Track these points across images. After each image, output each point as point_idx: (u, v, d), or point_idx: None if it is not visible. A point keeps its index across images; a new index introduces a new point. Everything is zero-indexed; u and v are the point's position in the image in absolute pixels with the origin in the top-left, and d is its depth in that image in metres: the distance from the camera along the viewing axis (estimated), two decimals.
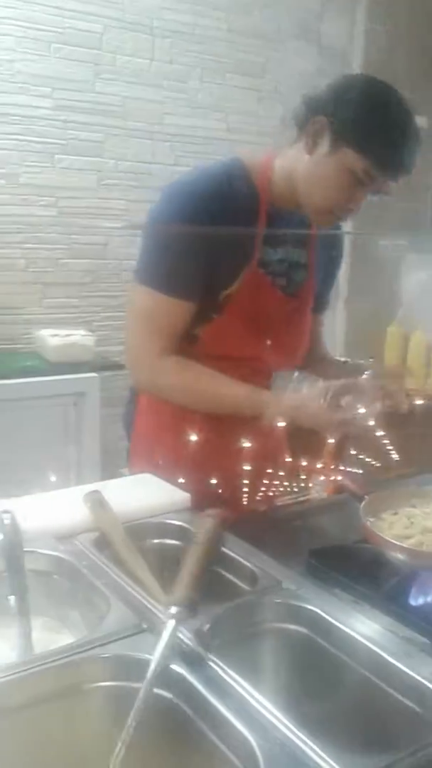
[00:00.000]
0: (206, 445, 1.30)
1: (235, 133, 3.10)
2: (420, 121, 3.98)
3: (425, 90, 3.56)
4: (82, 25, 2.68)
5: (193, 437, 1.31)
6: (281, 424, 1.29)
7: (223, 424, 1.33)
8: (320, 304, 1.57)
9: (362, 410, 1.23)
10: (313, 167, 1.27)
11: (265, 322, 1.39)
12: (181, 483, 1.23)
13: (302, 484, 1.53)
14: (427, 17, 3.51)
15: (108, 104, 2.78)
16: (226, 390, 1.33)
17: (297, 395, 1.29)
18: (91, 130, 2.75)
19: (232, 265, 1.33)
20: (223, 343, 1.36)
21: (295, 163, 1.30)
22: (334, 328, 3.50)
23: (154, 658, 0.72)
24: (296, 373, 1.39)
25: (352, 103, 1.21)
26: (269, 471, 1.45)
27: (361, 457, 1.54)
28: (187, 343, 1.35)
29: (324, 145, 1.25)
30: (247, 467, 1.32)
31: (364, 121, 1.21)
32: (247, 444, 1.30)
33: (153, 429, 1.46)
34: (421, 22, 3.49)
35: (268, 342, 1.40)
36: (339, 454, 1.61)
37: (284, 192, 1.33)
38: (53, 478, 1.23)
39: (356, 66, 3.35)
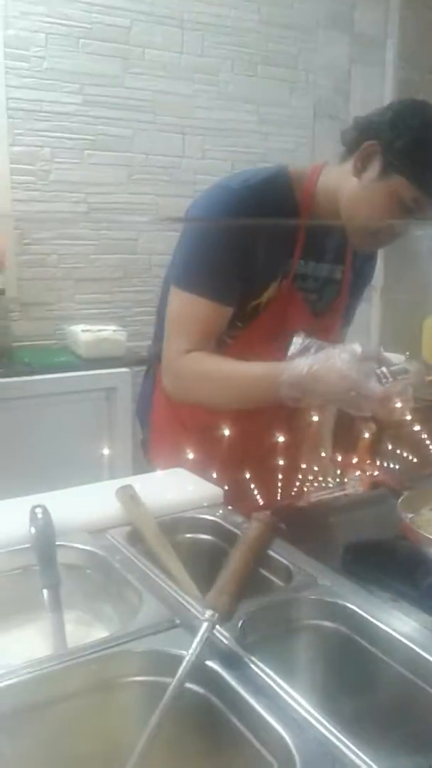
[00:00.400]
0: (233, 438, 1.28)
1: (266, 125, 3.07)
2: None
3: None
4: (110, 20, 2.68)
5: (220, 430, 1.29)
6: (295, 399, 1.21)
7: (249, 416, 1.31)
8: (346, 320, 1.56)
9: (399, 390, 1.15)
10: (360, 191, 1.26)
11: (291, 335, 1.36)
12: (213, 478, 1.22)
13: (338, 479, 1.51)
14: None
15: (137, 99, 2.78)
16: (243, 370, 1.28)
17: (317, 358, 1.20)
18: (120, 125, 2.75)
19: (265, 276, 1.32)
20: (245, 354, 1.32)
21: (341, 183, 1.29)
22: (370, 321, 3.45)
23: (188, 653, 0.71)
24: (299, 337, 1.28)
25: (408, 131, 1.20)
26: (302, 466, 1.43)
27: (398, 451, 1.50)
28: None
29: (374, 170, 1.23)
30: (278, 461, 1.29)
31: (419, 150, 1.20)
32: (277, 437, 1.27)
33: (175, 422, 1.45)
34: None
35: None
36: (375, 448, 1.58)
37: (326, 210, 1.32)
38: (85, 473, 1.23)
39: (390, 55, 3.29)
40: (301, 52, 3.12)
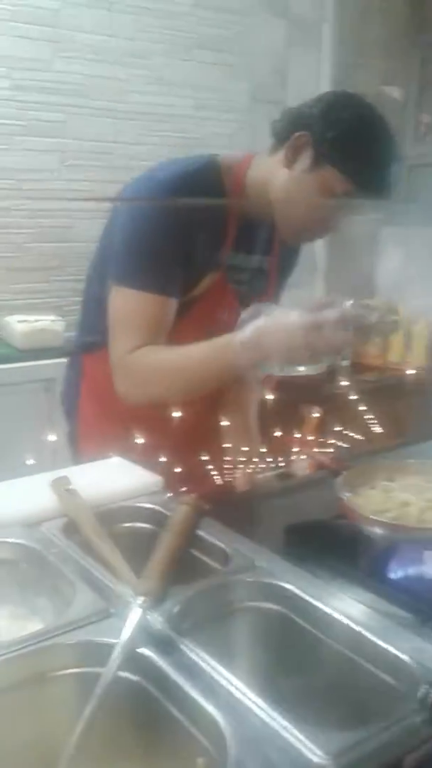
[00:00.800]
0: (165, 426, 1.26)
1: (203, 110, 3.04)
2: (391, 91, 3.94)
3: (395, 61, 3.53)
4: (37, 3, 2.60)
5: (151, 419, 1.27)
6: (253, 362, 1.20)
7: (190, 402, 1.29)
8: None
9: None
10: (291, 183, 1.26)
11: (222, 328, 1.35)
12: (152, 465, 1.20)
13: (280, 461, 1.51)
14: None
15: (69, 83, 2.71)
16: (197, 349, 1.24)
17: (266, 320, 1.18)
18: (51, 110, 2.68)
19: (200, 268, 1.31)
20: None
21: (271, 174, 1.28)
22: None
23: (119, 642, 0.69)
24: (251, 307, 1.25)
25: (340, 123, 1.20)
26: (243, 449, 1.43)
27: (340, 430, 1.51)
28: None
29: (305, 162, 1.23)
30: (212, 446, 1.29)
31: (351, 142, 1.20)
32: (210, 422, 1.27)
33: (105, 412, 1.42)
34: None
35: None
36: (317, 430, 1.59)
37: (256, 201, 1.31)
38: (24, 465, 1.19)
39: (327, 39, 3.29)
40: (237, 35, 3.10)
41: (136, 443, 1.20)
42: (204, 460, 1.28)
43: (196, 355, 1.24)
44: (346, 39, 3.34)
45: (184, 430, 1.27)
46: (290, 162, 1.25)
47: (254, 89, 3.19)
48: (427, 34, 3.50)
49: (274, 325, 1.15)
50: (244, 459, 1.40)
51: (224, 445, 1.32)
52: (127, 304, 1.28)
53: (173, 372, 1.27)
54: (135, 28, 2.83)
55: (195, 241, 1.28)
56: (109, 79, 2.80)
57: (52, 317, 2.63)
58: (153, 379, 1.28)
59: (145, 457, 1.20)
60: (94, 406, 1.46)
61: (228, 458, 1.36)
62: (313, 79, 3.33)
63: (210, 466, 1.28)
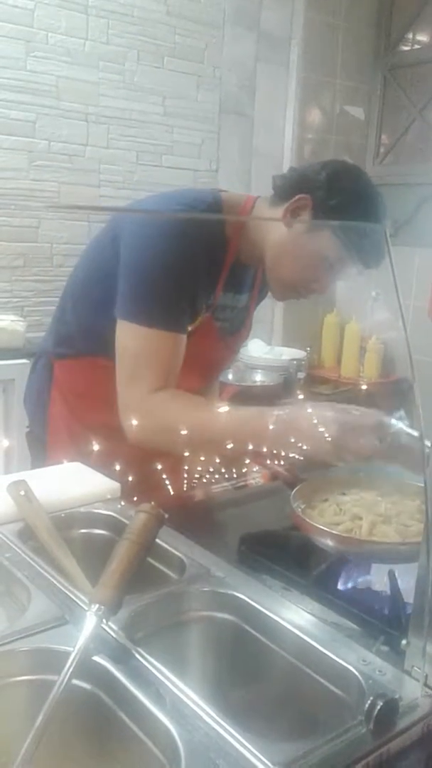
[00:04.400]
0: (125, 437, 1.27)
1: (172, 118, 3.06)
2: (354, 111, 4.03)
3: (359, 81, 3.61)
4: (12, 1, 2.58)
5: (119, 428, 1.28)
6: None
7: None
8: (247, 334, 1.60)
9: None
10: (287, 241, 1.30)
11: (203, 364, 1.41)
12: (115, 472, 1.20)
13: (237, 472, 1.53)
14: (363, 10, 3.54)
15: (40, 83, 2.70)
16: (224, 416, 1.23)
17: (306, 406, 1.19)
18: (22, 109, 2.66)
19: (198, 307, 1.33)
20: None
21: (269, 228, 1.32)
22: (273, 317, 3.52)
23: (74, 650, 0.69)
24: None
25: (342, 192, 1.24)
26: (201, 458, 1.44)
27: (295, 443, 1.54)
28: None
29: (303, 224, 1.27)
30: (169, 457, 1.29)
31: (351, 212, 1.24)
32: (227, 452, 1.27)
33: (74, 418, 1.43)
34: (358, 15, 3.51)
35: (195, 377, 1.40)
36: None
37: (252, 251, 1.35)
38: None
39: (294, 55, 3.35)
40: (208, 47, 3.13)
41: (101, 449, 1.20)
42: (164, 468, 1.29)
43: (224, 419, 1.23)
44: (313, 57, 3.40)
45: None
46: (289, 222, 1.28)
47: (222, 100, 3.22)
48: (390, 57, 3.59)
49: (311, 413, 1.17)
50: (202, 468, 1.42)
51: (185, 454, 1.33)
52: (140, 341, 1.26)
53: (196, 428, 1.21)
54: (109, 32, 2.83)
55: (199, 280, 1.30)
56: (81, 81, 2.79)
57: (13, 317, 2.60)
58: (174, 428, 1.21)
59: (109, 463, 1.20)
60: (64, 411, 1.45)
61: (187, 467, 1.37)
62: (280, 94, 3.39)
63: (169, 475, 1.29)
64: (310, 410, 1.17)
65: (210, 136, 3.19)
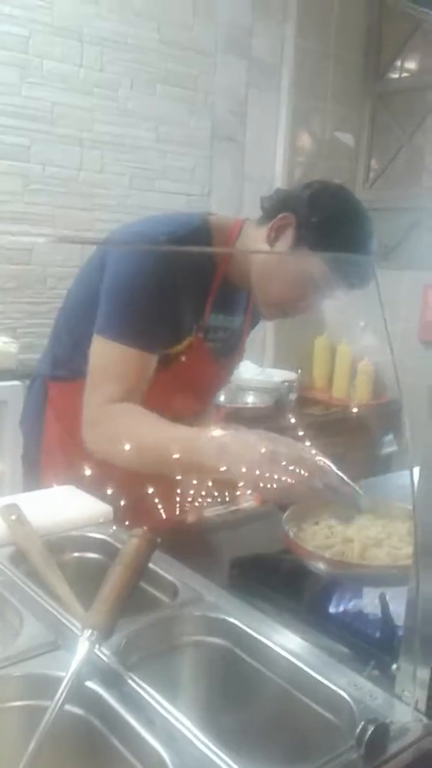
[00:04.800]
0: None
1: (165, 143, 3.10)
2: (344, 137, 4.07)
3: (349, 107, 3.68)
4: (7, 28, 2.63)
5: None
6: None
7: None
8: (240, 356, 1.62)
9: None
10: (271, 261, 1.31)
11: (198, 385, 1.42)
12: (108, 494, 1.21)
13: (229, 495, 1.53)
14: (353, 37, 3.61)
15: (35, 109, 2.73)
16: (165, 433, 1.22)
17: (240, 430, 1.19)
18: (17, 134, 2.69)
19: (182, 329, 1.34)
20: (150, 401, 1.30)
21: (255, 248, 1.33)
22: (264, 339, 3.54)
23: (66, 676, 0.70)
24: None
25: (324, 209, 1.26)
26: (193, 482, 1.45)
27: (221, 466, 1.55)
28: None
29: (286, 241, 1.28)
30: (172, 478, 1.30)
31: (332, 229, 1.25)
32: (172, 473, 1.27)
33: (69, 440, 1.43)
34: (347, 42, 3.59)
35: (190, 400, 1.41)
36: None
37: (240, 271, 1.36)
38: None
39: (285, 82, 3.41)
40: (200, 74, 3.18)
41: (94, 471, 1.21)
42: (158, 492, 1.29)
43: (168, 436, 1.21)
44: (303, 83, 3.46)
45: None
46: (272, 240, 1.30)
47: (214, 126, 3.27)
48: (379, 85, 3.66)
49: (241, 436, 1.16)
50: (194, 492, 1.42)
51: (178, 478, 1.33)
52: (109, 355, 1.29)
53: (144, 445, 1.21)
54: (103, 60, 2.88)
55: (181, 302, 1.31)
56: (75, 107, 2.83)
57: (5, 339, 2.61)
58: (121, 441, 1.22)
59: (103, 486, 1.21)
60: (58, 432, 1.46)
61: (180, 491, 1.38)
62: (271, 119, 3.44)
63: (162, 498, 1.29)
64: (244, 433, 1.17)
65: (202, 161, 3.24)
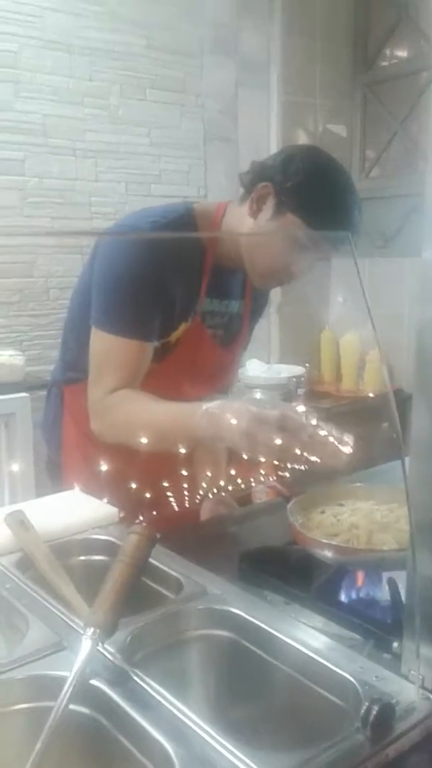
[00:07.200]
0: (144, 456, 1.28)
1: (158, 148, 3.11)
2: (337, 129, 4.06)
3: (340, 100, 3.67)
4: None
5: (129, 450, 1.29)
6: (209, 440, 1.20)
7: None
8: (245, 346, 1.62)
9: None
10: (256, 231, 1.31)
11: (200, 372, 1.41)
12: (111, 497, 1.21)
13: (238, 490, 1.53)
14: (340, 29, 3.60)
15: (29, 122, 2.75)
16: (164, 412, 1.26)
17: (231, 400, 1.23)
18: (11, 148, 2.72)
19: (178, 315, 1.35)
20: (160, 390, 1.32)
21: (239, 224, 1.34)
22: (270, 336, 3.53)
23: (70, 676, 0.70)
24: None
25: (299, 173, 1.26)
26: (209, 474, 1.46)
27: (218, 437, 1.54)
28: None
29: (268, 211, 1.29)
30: (178, 474, 1.30)
31: (307, 189, 1.26)
32: (177, 449, 1.28)
33: (86, 443, 1.44)
34: (335, 34, 3.58)
35: (201, 387, 1.41)
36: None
37: (229, 250, 1.37)
38: None
39: (273, 79, 3.41)
40: (189, 76, 3.19)
41: (113, 469, 1.22)
42: (169, 487, 1.30)
43: (165, 414, 1.26)
44: (292, 80, 3.46)
45: (158, 457, 1.29)
46: (254, 212, 1.30)
47: (207, 127, 3.27)
48: (368, 75, 3.65)
49: (232, 406, 1.17)
50: (206, 486, 1.43)
51: (189, 472, 1.34)
52: (106, 347, 1.32)
53: (143, 425, 1.25)
54: (92, 69, 2.90)
55: (172, 288, 1.32)
56: (68, 118, 2.85)
57: (11, 352, 2.63)
58: (125, 426, 1.29)
59: (122, 482, 1.21)
60: (76, 434, 1.48)
61: (192, 485, 1.38)
62: (263, 117, 3.44)
63: (173, 493, 1.30)
64: (234, 403, 1.19)
65: (197, 162, 3.24)
